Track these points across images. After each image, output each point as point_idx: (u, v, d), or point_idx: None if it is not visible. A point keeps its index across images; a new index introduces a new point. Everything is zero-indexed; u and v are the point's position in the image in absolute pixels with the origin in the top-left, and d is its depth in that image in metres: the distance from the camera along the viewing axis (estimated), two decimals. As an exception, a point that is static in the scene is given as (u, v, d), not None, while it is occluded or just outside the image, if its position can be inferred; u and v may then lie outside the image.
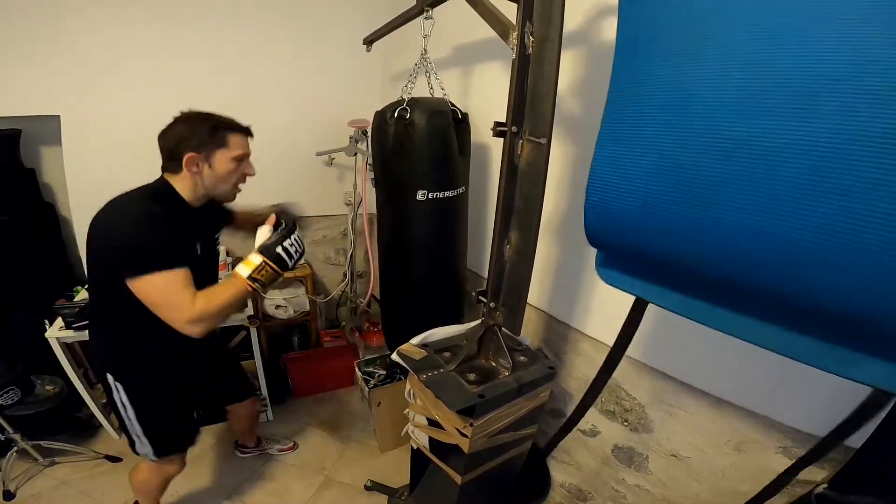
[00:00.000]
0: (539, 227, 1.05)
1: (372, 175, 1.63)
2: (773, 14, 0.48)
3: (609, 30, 1.19)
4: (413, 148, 1.38)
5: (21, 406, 1.74)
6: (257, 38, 2.15)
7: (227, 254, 2.31)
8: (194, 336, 1.03)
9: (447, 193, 1.47)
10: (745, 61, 0.50)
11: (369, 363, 2.09)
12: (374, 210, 2.65)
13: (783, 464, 1.02)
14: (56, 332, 1.67)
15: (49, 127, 1.91)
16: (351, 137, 2.29)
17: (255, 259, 1.08)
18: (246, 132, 1.17)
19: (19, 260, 1.91)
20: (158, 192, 1.10)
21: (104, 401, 1.88)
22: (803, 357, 0.57)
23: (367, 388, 1.92)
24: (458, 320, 1.57)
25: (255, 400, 1.76)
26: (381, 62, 2.46)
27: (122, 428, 1.29)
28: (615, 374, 1.28)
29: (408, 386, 1.30)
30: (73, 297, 1.76)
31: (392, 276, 1.71)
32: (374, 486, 1.81)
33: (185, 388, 1.41)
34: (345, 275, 2.72)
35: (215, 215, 1.31)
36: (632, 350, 1.21)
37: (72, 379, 1.76)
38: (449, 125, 1.41)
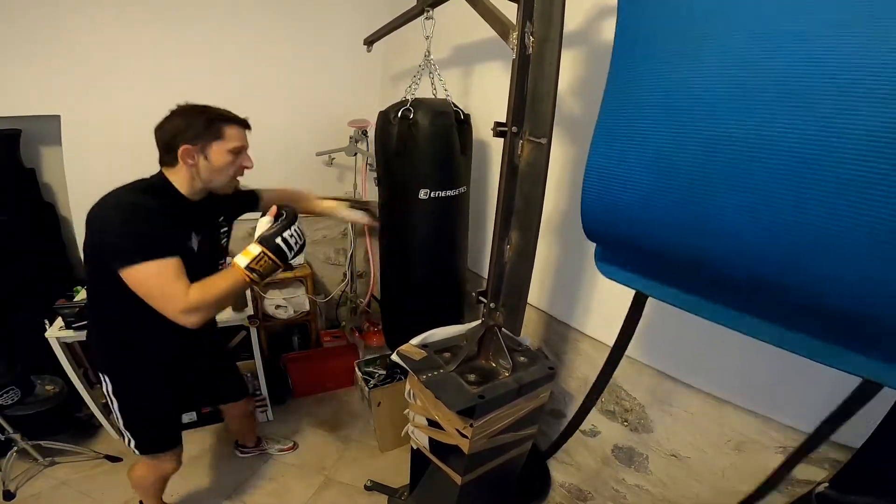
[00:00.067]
0: (539, 227, 1.05)
1: (375, 175, 1.63)
2: (771, 14, 0.49)
3: (609, 30, 1.17)
4: (416, 148, 1.39)
5: (21, 406, 1.74)
6: (257, 38, 2.15)
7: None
8: (189, 326, 1.02)
9: (449, 192, 1.47)
10: (742, 60, 0.51)
11: (369, 363, 2.09)
12: (374, 210, 2.66)
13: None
14: (56, 332, 1.67)
15: (49, 127, 1.91)
16: (351, 137, 2.29)
17: (254, 249, 1.07)
18: (243, 124, 1.15)
19: (19, 260, 1.91)
20: (152, 186, 1.10)
21: (104, 401, 1.87)
22: (799, 349, 0.58)
23: (367, 388, 1.92)
24: (458, 320, 1.57)
25: (249, 400, 1.76)
26: (381, 62, 2.46)
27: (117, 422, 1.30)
28: (615, 374, 1.28)
29: (408, 386, 1.30)
30: (73, 297, 1.76)
31: (394, 276, 1.71)
32: (374, 486, 1.81)
33: (184, 388, 1.41)
34: (345, 275, 2.72)
35: (219, 207, 1.28)
36: (631, 350, 1.21)
37: (72, 379, 1.76)
38: (452, 126, 1.42)
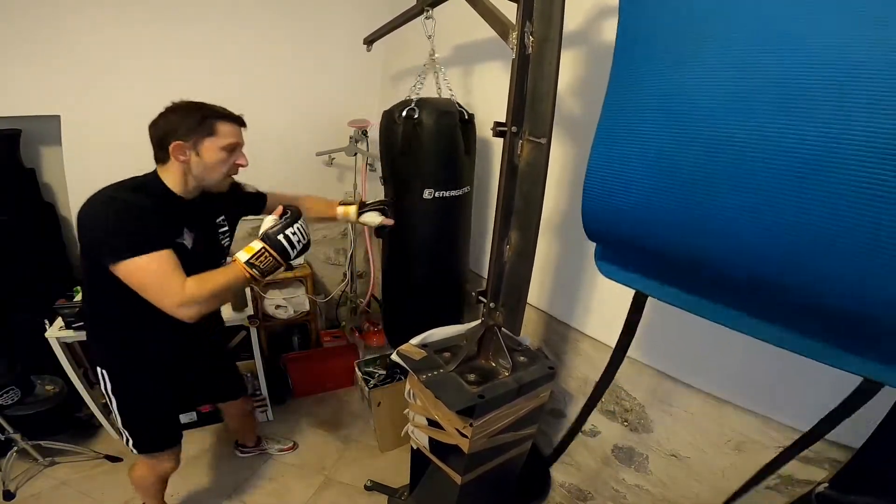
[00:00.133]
0: (539, 227, 1.05)
1: (380, 175, 1.63)
2: (771, 16, 0.49)
3: (609, 30, 1.19)
4: (421, 147, 1.39)
5: (21, 406, 1.74)
6: (257, 38, 2.15)
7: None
8: (186, 320, 1.00)
9: (453, 192, 1.47)
10: (742, 62, 0.51)
11: (369, 363, 2.09)
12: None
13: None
14: (56, 332, 1.68)
15: (49, 127, 1.91)
16: (351, 137, 2.29)
17: (256, 245, 1.06)
18: (238, 121, 1.13)
19: (19, 260, 1.91)
20: (144, 184, 1.08)
21: (104, 401, 1.88)
22: (799, 349, 0.58)
23: (367, 388, 1.92)
24: (458, 320, 1.57)
25: (247, 399, 1.76)
26: (381, 62, 2.46)
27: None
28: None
29: (408, 386, 1.30)
30: (73, 297, 1.76)
31: (397, 276, 1.71)
32: (374, 486, 1.81)
33: (183, 388, 1.41)
34: (345, 275, 2.72)
35: (218, 207, 1.27)
36: (631, 350, 1.21)
37: (72, 379, 1.76)
38: (456, 125, 1.42)
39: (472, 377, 1.14)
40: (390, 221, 1.50)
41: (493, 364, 1.22)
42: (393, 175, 1.53)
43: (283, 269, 1.12)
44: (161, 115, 1.08)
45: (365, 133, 2.27)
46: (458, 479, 1.22)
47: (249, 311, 1.99)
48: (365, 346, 2.51)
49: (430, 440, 1.28)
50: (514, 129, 1.01)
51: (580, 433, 1.51)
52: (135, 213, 1.00)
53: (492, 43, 1.56)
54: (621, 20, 0.67)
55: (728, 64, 0.52)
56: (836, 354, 0.55)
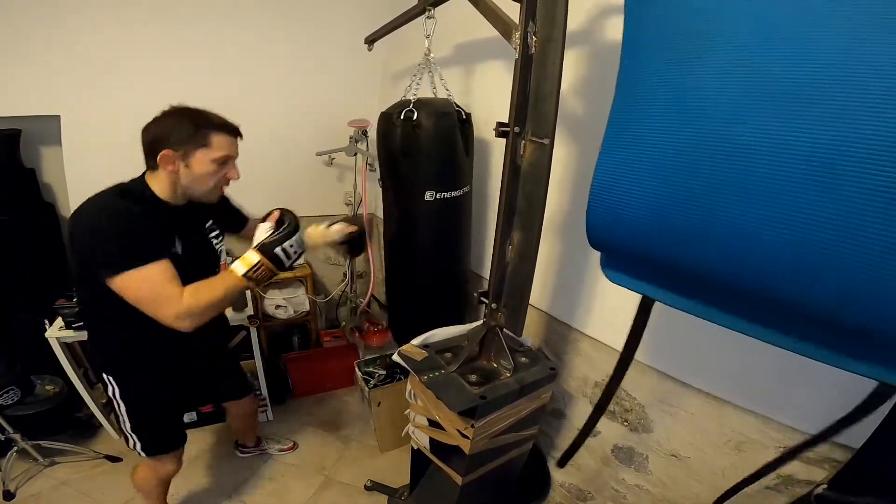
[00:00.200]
0: (541, 227, 1.05)
1: (379, 178, 1.62)
2: (777, 16, 0.48)
3: (612, 29, 1.18)
4: (420, 150, 1.39)
5: (21, 406, 1.74)
6: (257, 38, 2.15)
7: (228, 254, 2.30)
8: (184, 330, 1.00)
9: (453, 193, 1.47)
10: (748, 63, 0.50)
11: (369, 363, 2.09)
12: (374, 210, 2.66)
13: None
14: (56, 332, 1.67)
15: (49, 127, 1.90)
16: (351, 137, 2.29)
17: (253, 257, 1.06)
18: (233, 133, 1.10)
19: (19, 260, 1.91)
20: (129, 190, 1.05)
21: (104, 401, 1.88)
22: (814, 356, 0.57)
23: (367, 388, 1.92)
24: (459, 321, 1.57)
25: (253, 398, 1.76)
26: (381, 62, 2.45)
27: (120, 425, 1.29)
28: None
29: (408, 386, 1.30)
30: (73, 297, 1.76)
31: (400, 276, 1.71)
32: (374, 486, 1.81)
33: (185, 388, 1.41)
34: (345, 275, 2.72)
35: (206, 212, 1.25)
36: (632, 350, 1.22)
37: (72, 379, 1.76)
38: (454, 126, 1.42)
39: (473, 378, 1.14)
40: (352, 227, 1.32)
41: (495, 365, 1.22)
42: (393, 178, 1.52)
43: (277, 276, 1.13)
44: (156, 119, 1.06)
45: (365, 133, 2.27)
46: (458, 479, 1.22)
47: (249, 310, 1.99)
48: (365, 346, 2.51)
49: (431, 441, 1.28)
50: (516, 129, 1.01)
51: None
52: (128, 223, 0.98)
53: (493, 42, 1.56)
54: (627, 22, 0.66)
55: (733, 64, 0.51)
56: (851, 362, 0.54)
